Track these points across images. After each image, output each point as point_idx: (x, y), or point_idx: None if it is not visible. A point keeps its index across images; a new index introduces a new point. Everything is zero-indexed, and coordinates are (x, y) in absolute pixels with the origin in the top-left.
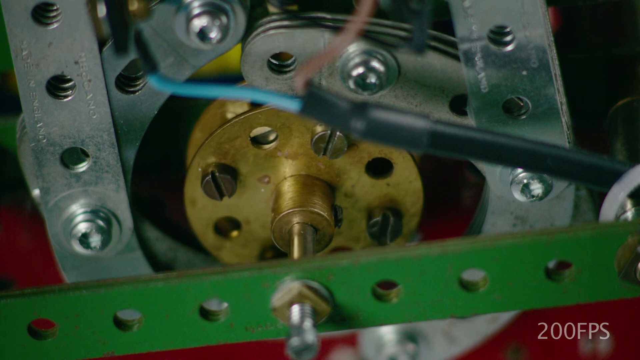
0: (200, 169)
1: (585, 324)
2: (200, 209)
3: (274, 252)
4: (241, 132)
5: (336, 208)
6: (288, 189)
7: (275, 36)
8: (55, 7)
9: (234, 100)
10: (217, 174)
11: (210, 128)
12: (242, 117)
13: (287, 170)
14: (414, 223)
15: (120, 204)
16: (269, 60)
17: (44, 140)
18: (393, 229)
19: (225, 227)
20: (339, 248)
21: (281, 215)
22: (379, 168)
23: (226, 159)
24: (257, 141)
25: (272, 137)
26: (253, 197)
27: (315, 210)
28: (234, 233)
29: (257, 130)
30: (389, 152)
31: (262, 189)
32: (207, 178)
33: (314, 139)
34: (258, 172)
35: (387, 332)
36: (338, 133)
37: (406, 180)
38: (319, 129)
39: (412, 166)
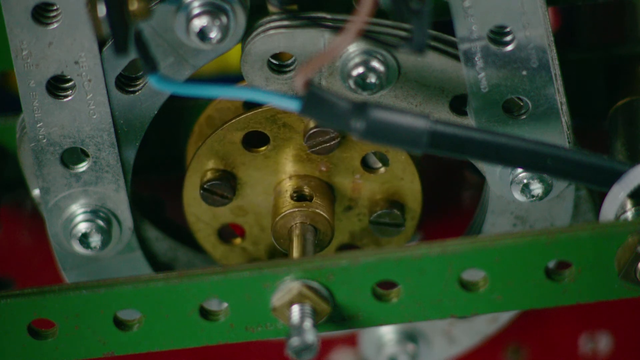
0: (199, 177)
1: (585, 324)
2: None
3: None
4: (235, 136)
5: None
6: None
7: (275, 36)
8: (55, 7)
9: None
10: (213, 182)
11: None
12: (236, 119)
13: (287, 170)
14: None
15: (120, 204)
16: (269, 60)
17: (44, 140)
18: (394, 220)
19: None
20: (344, 246)
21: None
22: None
23: (222, 164)
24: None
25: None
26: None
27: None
28: (237, 240)
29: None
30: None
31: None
32: (206, 187)
33: (306, 138)
34: (259, 174)
35: (387, 332)
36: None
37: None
38: (311, 124)
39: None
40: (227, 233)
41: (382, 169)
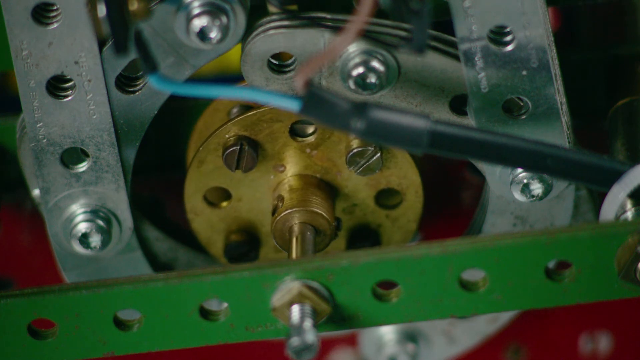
0: (227, 136)
1: (585, 324)
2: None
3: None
4: (284, 117)
5: (339, 220)
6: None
7: (275, 36)
8: (55, 7)
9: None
10: (245, 147)
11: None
12: (236, 119)
13: (293, 169)
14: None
15: (120, 204)
16: (269, 60)
17: (44, 140)
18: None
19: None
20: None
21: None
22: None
23: (257, 136)
24: (296, 132)
25: (310, 130)
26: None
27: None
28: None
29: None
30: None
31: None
32: (234, 148)
33: (351, 152)
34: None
35: (387, 332)
36: (378, 154)
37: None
38: (355, 143)
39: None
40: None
41: (312, 137)
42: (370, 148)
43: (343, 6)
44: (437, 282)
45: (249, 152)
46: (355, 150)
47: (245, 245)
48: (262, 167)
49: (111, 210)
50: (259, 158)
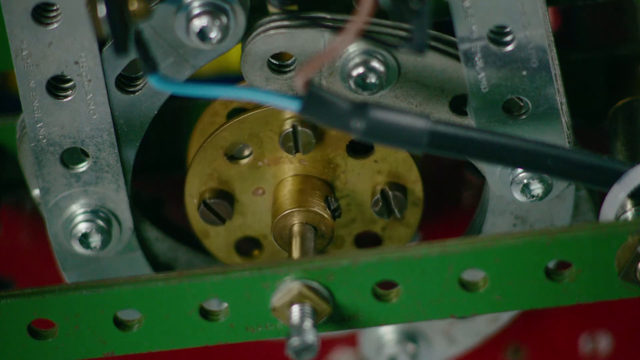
0: (195, 200)
1: (585, 324)
2: (215, 237)
3: None
4: (215, 154)
5: (328, 199)
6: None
7: (275, 36)
8: (55, 7)
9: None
10: (208, 201)
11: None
12: (209, 139)
13: (278, 174)
14: (418, 189)
15: (120, 204)
16: (269, 60)
17: (44, 140)
18: (397, 202)
19: (246, 247)
20: (362, 234)
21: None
22: (362, 148)
23: (215, 183)
24: (234, 157)
25: (247, 150)
26: (257, 210)
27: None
28: (256, 252)
29: (229, 148)
30: None
31: (260, 201)
32: (201, 207)
33: (281, 140)
34: (250, 186)
35: (387, 332)
36: (300, 127)
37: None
38: (284, 127)
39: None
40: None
41: (246, 160)
42: (288, 128)
43: (343, 6)
44: (437, 282)
45: (216, 203)
46: (281, 139)
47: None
48: (247, 200)
49: (111, 210)
50: (235, 196)
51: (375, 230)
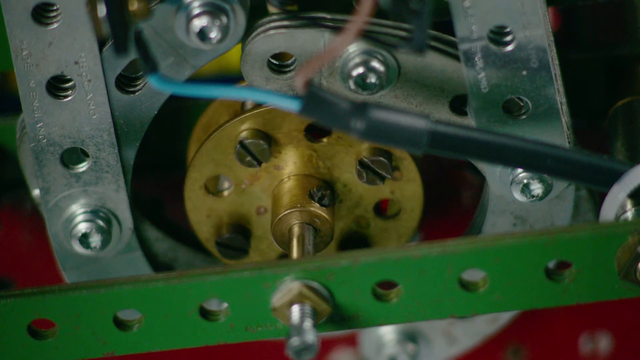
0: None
1: (585, 324)
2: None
3: None
4: (199, 195)
5: (311, 192)
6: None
7: (275, 36)
8: (55, 7)
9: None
10: (247, 141)
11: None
12: (185, 185)
13: (266, 187)
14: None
15: (120, 204)
16: (269, 60)
17: (44, 140)
18: (380, 165)
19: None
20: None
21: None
22: (319, 131)
23: (220, 220)
24: (218, 191)
25: (226, 185)
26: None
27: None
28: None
29: (208, 185)
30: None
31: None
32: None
33: (238, 159)
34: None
35: (387, 332)
36: (246, 140)
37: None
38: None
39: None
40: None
41: (226, 192)
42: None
43: (343, 6)
44: (437, 282)
45: (252, 145)
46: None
47: (237, 238)
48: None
49: (111, 211)
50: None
51: (385, 196)
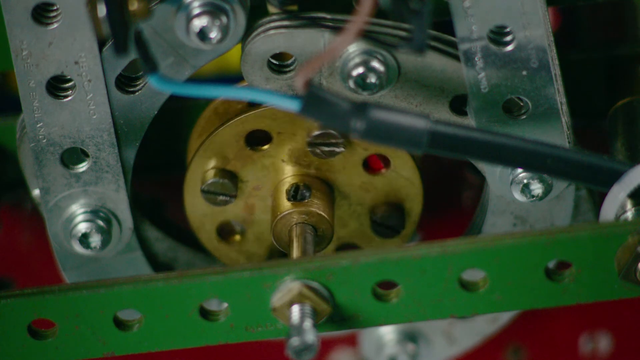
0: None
1: (585, 324)
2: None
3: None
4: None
5: (287, 192)
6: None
7: (275, 36)
8: (55, 7)
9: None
10: (206, 186)
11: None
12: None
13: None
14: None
15: (120, 204)
16: (269, 60)
17: (44, 140)
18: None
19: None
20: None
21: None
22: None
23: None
24: (230, 233)
25: (237, 226)
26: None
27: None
28: (237, 237)
29: (222, 229)
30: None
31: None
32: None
33: (214, 200)
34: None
35: (387, 332)
36: (214, 182)
37: (403, 175)
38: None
39: (409, 160)
40: (226, 231)
41: (238, 237)
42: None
43: (343, 6)
44: (437, 282)
45: (220, 185)
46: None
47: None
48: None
49: (111, 211)
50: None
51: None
